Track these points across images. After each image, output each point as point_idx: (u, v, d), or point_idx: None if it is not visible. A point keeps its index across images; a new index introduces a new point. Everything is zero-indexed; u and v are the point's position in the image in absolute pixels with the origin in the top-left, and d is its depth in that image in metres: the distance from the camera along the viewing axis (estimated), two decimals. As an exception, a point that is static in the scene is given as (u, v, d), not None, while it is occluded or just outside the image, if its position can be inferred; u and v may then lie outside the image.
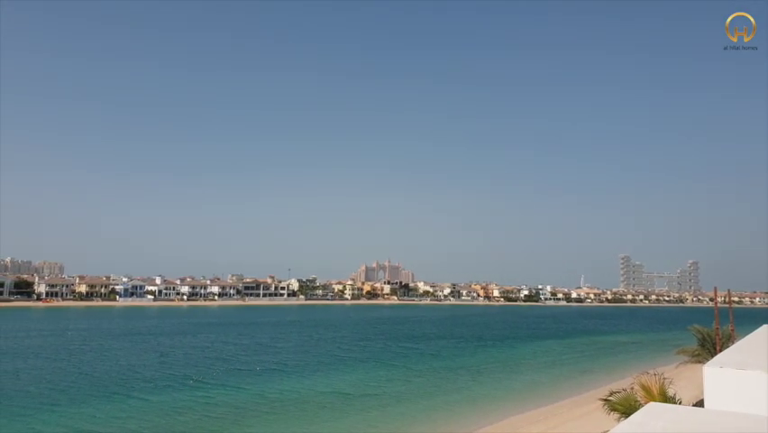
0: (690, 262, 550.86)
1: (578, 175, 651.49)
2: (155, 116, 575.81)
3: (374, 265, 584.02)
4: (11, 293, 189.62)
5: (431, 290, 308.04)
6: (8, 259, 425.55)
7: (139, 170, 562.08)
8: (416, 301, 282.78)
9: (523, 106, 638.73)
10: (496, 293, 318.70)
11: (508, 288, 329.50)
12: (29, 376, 48.49)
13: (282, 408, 37.97)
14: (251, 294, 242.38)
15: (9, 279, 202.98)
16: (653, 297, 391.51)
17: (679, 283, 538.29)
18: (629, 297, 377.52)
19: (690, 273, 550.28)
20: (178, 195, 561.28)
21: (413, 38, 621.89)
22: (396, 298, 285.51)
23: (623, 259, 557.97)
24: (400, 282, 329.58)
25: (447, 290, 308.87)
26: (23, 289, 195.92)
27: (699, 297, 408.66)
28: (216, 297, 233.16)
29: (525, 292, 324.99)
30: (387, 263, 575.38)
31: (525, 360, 66.22)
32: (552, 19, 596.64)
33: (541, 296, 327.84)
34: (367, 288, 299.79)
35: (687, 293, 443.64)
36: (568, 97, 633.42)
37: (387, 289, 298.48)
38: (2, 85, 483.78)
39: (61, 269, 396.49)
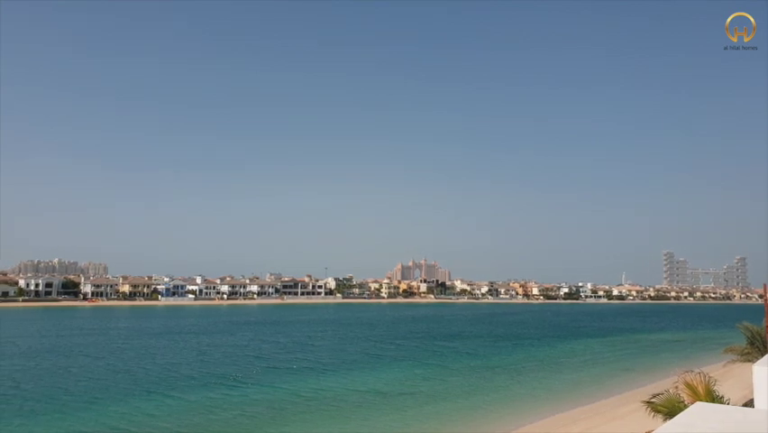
0: (738, 257, 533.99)
1: (618, 171, 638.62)
2: (195, 116, 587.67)
3: (410, 264, 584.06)
4: (59, 293, 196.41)
5: (468, 288, 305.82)
6: (56, 260, 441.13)
7: (179, 169, 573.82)
8: (453, 300, 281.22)
9: (556, 106, 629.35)
10: (535, 291, 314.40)
11: (548, 286, 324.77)
12: (75, 374, 49.69)
13: (318, 406, 37.97)
14: (289, 293, 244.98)
15: (57, 279, 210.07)
16: (699, 294, 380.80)
17: (725, 280, 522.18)
18: (673, 294, 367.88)
19: (737, 269, 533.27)
20: (216, 195, 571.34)
21: (456, 37, 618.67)
22: (432, 296, 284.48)
23: (666, 255, 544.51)
24: (437, 281, 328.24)
25: (485, 289, 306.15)
26: (71, 289, 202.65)
27: (748, 294, 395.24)
28: (255, 295, 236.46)
29: (565, 290, 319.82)
30: (423, 262, 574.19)
31: (564, 358, 64.97)
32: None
33: (581, 293, 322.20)
34: (403, 286, 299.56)
35: (734, 290, 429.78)
36: (600, 97, 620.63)
37: (423, 287, 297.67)
38: (47, 88, 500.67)
39: (105, 269, 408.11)
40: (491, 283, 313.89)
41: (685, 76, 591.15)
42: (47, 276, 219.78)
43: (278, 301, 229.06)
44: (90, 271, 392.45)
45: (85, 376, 48.29)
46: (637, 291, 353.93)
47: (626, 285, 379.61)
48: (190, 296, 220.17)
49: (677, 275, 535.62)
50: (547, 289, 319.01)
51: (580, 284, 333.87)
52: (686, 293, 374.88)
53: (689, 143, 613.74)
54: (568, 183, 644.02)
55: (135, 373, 49.93)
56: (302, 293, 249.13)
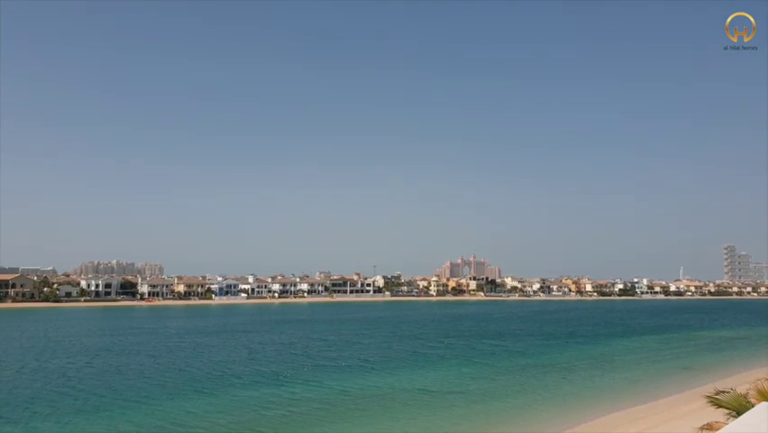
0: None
1: (674, 165, 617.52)
2: (249, 113, 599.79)
3: (459, 261, 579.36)
4: (117, 293, 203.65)
5: (519, 285, 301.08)
6: (114, 261, 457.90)
7: (231, 169, 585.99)
8: (504, 297, 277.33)
9: (607, 102, 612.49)
10: (588, 288, 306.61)
11: (602, 282, 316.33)
12: (131, 371, 51.12)
13: (366, 404, 37.83)
14: (338, 291, 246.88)
15: (116, 280, 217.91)
16: (763, 289, 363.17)
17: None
18: (735, 289, 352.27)
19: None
20: (268, 196, 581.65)
21: (498, 32, 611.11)
22: (482, 294, 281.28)
23: (726, 249, 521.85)
24: (486, 278, 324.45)
25: (536, 286, 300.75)
26: (128, 289, 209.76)
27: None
28: (306, 294, 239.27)
29: (620, 286, 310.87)
30: (472, 259, 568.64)
31: (619, 356, 62.93)
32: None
33: (637, 289, 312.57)
34: (452, 284, 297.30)
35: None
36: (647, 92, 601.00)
37: (473, 284, 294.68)
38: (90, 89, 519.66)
39: (161, 270, 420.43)
40: (543, 280, 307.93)
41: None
42: (106, 277, 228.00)
43: (328, 299, 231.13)
44: (147, 272, 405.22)
45: (140, 374, 49.57)
46: (696, 287, 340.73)
47: (685, 280, 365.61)
48: (243, 295, 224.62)
49: (739, 270, 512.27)
50: (601, 285, 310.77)
51: (636, 280, 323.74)
52: (749, 288, 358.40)
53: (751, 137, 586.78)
54: (621, 178, 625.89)
55: (188, 371, 50.96)
56: (351, 291, 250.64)
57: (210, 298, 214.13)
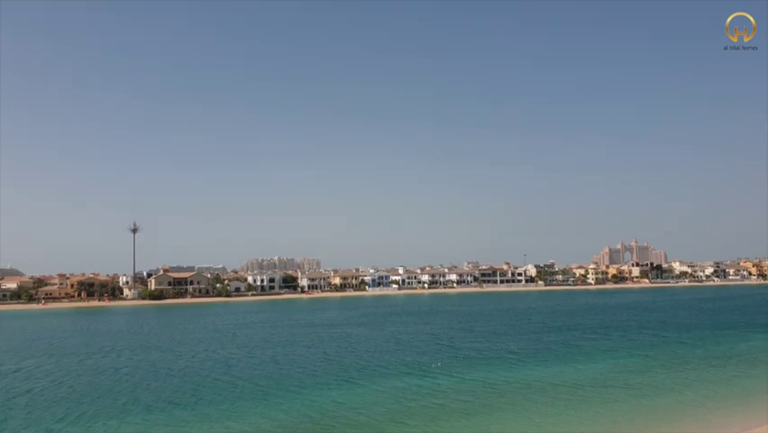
0: None
1: None
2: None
3: (618, 247, 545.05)
4: (280, 287, 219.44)
5: (689, 270, 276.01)
6: (276, 258, 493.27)
7: (378, 166, 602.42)
8: (672, 284, 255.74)
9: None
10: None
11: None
12: (287, 361, 53.82)
13: (512, 397, 36.26)
14: (487, 281, 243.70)
15: (278, 275, 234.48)
16: None
17: None
18: None
19: None
20: (416, 187, 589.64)
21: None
22: (647, 281, 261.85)
23: None
24: (651, 264, 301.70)
25: (709, 270, 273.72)
26: (290, 283, 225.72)
27: None
28: (455, 284, 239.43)
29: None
30: (633, 244, 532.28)
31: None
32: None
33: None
34: (612, 271, 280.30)
35: None
36: None
37: (635, 271, 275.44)
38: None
39: (318, 264, 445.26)
40: (717, 264, 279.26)
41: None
42: (269, 272, 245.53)
43: (478, 290, 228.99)
44: (305, 267, 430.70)
45: (295, 364, 51.90)
46: None
47: None
48: (394, 286, 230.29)
49: None
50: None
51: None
52: None
53: None
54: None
55: (337, 361, 52.56)
56: (501, 281, 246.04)
57: (364, 289, 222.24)
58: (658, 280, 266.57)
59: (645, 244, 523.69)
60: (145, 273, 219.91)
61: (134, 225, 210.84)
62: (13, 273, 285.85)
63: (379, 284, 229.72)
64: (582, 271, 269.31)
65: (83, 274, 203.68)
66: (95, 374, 48.91)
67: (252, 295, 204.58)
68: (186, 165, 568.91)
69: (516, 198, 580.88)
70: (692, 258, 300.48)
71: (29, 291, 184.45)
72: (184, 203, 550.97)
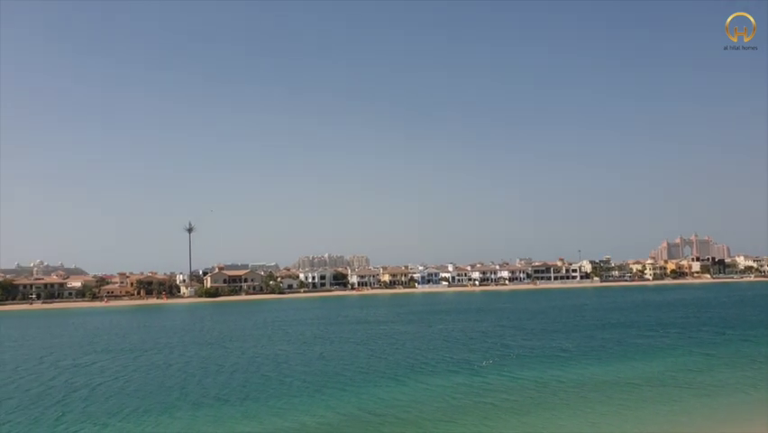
0: None
1: None
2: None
3: (677, 241, 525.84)
4: (331, 284, 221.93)
5: (754, 264, 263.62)
6: (326, 255, 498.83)
7: (432, 167, 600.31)
8: (735, 279, 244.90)
9: None
10: None
11: None
12: (336, 358, 53.96)
13: (565, 396, 35.22)
14: (541, 277, 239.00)
15: (329, 272, 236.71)
16: None
17: None
18: None
19: None
20: (473, 185, 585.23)
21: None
22: (708, 276, 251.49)
23: None
24: (713, 258, 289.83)
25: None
26: (340, 280, 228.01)
27: None
28: (507, 281, 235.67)
29: None
30: (693, 238, 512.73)
31: None
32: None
33: None
34: (671, 266, 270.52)
35: None
36: None
37: (696, 266, 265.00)
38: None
39: (367, 261, 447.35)
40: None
41: None
42: (320, 270, 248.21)
43: (531, 286, 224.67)
44: (355, 264, 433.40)
45: (343, 361, 51.95)
46: None
47: None
48: (444, 283, 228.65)
49: None
50: None
51: None
52: None
53: None
54: None
55: (385, 359, 52.28)
56: (555, 278, 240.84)
57: (413, 286, 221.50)
58: (720, 275, 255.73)
59: (706, 238, 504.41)
60: (201, 271, 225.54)
61: (190, 224, 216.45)
62: (77, 273, 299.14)
63: (428, 281, 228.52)
64: (639, 267, 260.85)
65: (141, 273, 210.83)
66: (148, 370, 50.19)
67: (304, 292, 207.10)
68: (241, 167, 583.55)
69: (571, 195, 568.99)
70: (758, 252, 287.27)
71: (92, 290, 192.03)
72: (239, 203, 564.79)
